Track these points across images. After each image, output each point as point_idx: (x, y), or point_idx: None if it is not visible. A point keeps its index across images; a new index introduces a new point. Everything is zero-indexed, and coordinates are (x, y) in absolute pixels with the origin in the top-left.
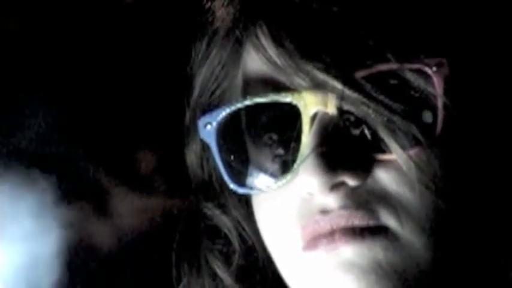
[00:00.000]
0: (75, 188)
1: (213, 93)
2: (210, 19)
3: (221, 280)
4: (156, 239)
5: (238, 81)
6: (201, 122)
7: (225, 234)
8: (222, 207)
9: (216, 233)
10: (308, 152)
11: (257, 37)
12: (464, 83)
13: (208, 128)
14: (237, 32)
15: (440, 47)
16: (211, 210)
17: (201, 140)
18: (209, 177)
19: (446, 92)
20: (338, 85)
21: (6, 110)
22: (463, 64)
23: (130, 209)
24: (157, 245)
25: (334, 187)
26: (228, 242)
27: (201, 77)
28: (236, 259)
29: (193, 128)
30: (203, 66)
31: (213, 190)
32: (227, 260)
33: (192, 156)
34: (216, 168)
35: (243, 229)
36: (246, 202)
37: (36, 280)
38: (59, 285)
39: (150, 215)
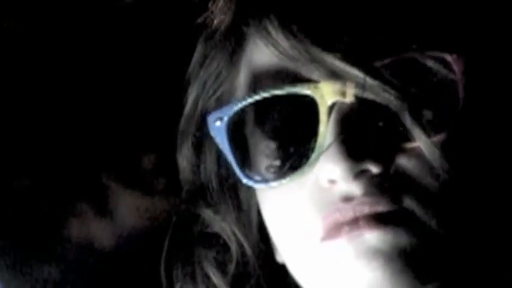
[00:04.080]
0: (76, 187)
1: (210, 97)
2: (210, 19)
3: (215, 287)
4: (156, 239)
5: (241, 80)
6: (210, 118)
7: (218, 240)
8: (219, 213)
9: (211, 239)
10: (328, 141)
11: (267, 31)
12: (483, 70)
13: (218, 123)
14: (243, 28)
15: (458, 35)
16: (209, 216)
17: (193, 145)
18: (200, 183)
19: (466, 79)
20: (359, 74)
21: (7, 110)
22: (480, 51)
23: (130, 209)
24: (158, 246)
25: (358, 174)
26: (223, 248)
27: (199, 80)
28: (233, 266)
29: (186, 133)
30: (201, 70)
31: (204, 195)
32: (222, 267)
33: (184, 162)
34: (208, 171)
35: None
36: (237, 207)
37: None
38: (59, 285)
39: (151, 216)
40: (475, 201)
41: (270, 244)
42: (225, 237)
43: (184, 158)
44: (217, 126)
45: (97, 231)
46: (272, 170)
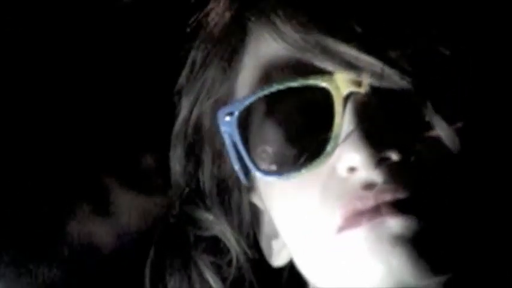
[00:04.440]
0: (75, 188)
1: (207, 100)
2: (208, 18)
3: None
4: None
5: (240, 81)
6: (220, 113)
7: (216, 244)
8: (217, 216)
9: (208, 243)
10: (345, 131)
11: (275, 25)
12: (499, 59)
13: (227, 118)
14: (246, 25)
15: (475, 24)
16: (209, 219)
17: (188, 149)
18: (197, 186)
19: (482, 68)
20: (375, 63)
21: (7, 110)
22: (496, 42)
23: (130, 209)
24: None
25: (379, 162)
26: (220, 253)
27: (196, 84)
28: (233, 271)
29: (181, 137)
30: (197, 73)
31: (202, 199)
32: (220, 272)
33: (176, 165)
34: (205, 175)
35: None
36: (231, 211)
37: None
38: (59, 285)
39: (151, 216)
40: (494, 190)
41: (260, 248)
42: (226, 241)
43: (177, 161)
44: (228, 121)
45: (97, 231)
46: (286, 162)
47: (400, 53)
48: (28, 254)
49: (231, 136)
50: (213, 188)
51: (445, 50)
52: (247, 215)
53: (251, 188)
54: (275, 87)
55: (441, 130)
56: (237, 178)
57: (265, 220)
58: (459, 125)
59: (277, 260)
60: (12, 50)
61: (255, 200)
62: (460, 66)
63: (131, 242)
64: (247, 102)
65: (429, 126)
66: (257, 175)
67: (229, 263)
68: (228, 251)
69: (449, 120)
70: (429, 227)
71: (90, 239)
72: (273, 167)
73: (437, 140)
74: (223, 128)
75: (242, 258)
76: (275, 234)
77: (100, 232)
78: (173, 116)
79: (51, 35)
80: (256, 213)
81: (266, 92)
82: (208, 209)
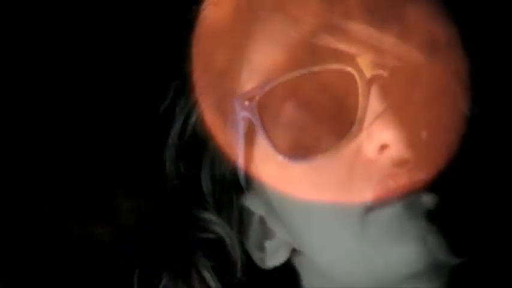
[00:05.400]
0: (76, 187)
1: (210, 98)
2: (207, 13)
3: None
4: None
5: (245, 75)
6: (238, 99)
7: (217, 247)
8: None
9: (209, 245)
10: (371, 113)
11: (288, 11)
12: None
13: (247, 103)
14: (255, 16)
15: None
16: (213, 221)
17: (184, 147)
18: (199, 187)
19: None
20: (400, 45)
21: (7, 111)
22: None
23: (130, 209)
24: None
25: (412, 139)
26: (220, 256)
27: (196, 84)
28: (238, 273)
29: (179, 134)
30: (200, 72)
31: (205, 200)
32: (219, 275)
33: (171, 166)
34: (204, 176)
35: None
36: (223, 211)
37: None
38: (59, 285)
39: (151, 216)
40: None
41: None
42: (229, 241)
43: (173, 162)
44: (248, 106)
45: (97, 232)
46: (309, 145)
47: (423, 34)
48: (28, 254)
49: (248, 122)
50: (211, 188)
51: (469, 30)
52: (235, 217)
53: (247, 188)
54: (297, 73)
55: (467, 109)
56: (232, 179)
57: (255, 222)
58: (486, 102)
59: (273, 261)
60: (12, 50)
61: (248, 201)
62: (485, 44)
63: (131, 243)
64: (268, 87)
65: (455, 105)
66: (280, 159)
67: (228, 266)
68: (228, 254)
69: (475, 99)
70: (460, 205)
71: (89, 239)
72: (295, 151)
73: (464, 118)
74: (242, 114)
75: (241, 259)
76: (268, 235)
77: (100, 232)
78: (174, 116)
79: (51, 35)
80: (244, 216)
81: (287, 77)
82: (208, 210)
